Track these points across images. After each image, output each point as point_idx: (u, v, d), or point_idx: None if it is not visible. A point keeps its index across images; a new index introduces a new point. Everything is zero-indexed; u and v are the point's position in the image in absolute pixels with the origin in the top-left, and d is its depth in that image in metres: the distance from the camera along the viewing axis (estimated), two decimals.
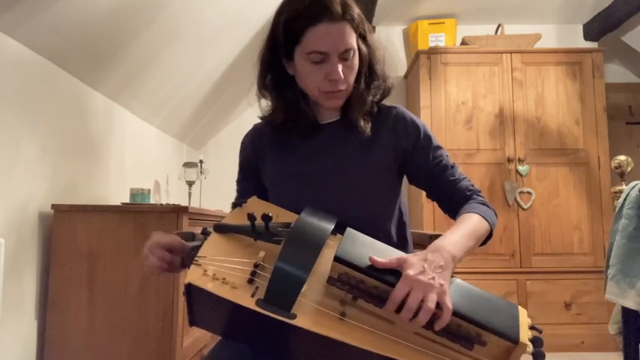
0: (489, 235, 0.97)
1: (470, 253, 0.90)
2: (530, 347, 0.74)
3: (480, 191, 1.05)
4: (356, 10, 0.98)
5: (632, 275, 1.68)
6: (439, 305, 0.73)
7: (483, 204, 1.00)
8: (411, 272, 0.75)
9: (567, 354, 2.79)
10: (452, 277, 0.82)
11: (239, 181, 1.17)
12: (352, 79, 1.02)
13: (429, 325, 0.73)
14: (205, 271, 0.74)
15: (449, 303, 0.73)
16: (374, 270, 0.76)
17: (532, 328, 0.79)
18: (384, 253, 0.81)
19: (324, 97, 1.01)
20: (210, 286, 0.72)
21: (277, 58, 1.03)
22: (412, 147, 1.05)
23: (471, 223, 0.92)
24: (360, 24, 1.00)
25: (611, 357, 2.75)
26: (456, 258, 0.82)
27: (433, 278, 0.75)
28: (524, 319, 0.78)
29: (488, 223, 0.96)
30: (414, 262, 0.77)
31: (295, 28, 0.96)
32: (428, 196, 1.09)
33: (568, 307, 2.90)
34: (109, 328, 1.78)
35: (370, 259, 0.77)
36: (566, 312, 2.89)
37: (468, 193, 1.02)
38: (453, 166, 1.06)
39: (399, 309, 0.73)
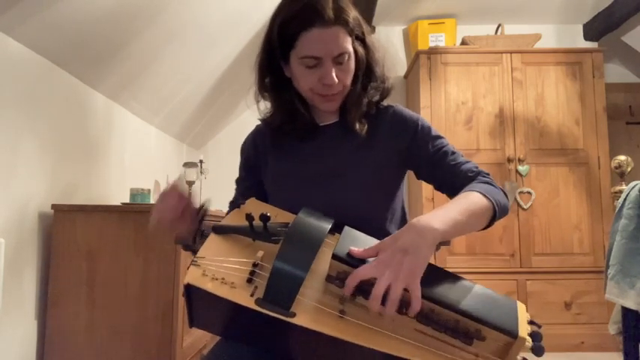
0: (495, 215, 0.91)
1: (466, 230, 0.84)
2: (529, 342, 0.74)
3: (487, 173, 1.00)
4: (351, 14, 0.98)
5: (632, 275, 1.68)
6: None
7: (487, 183, 0.95)
8: (379, 257, 0.74)
9: (567, 354, 2.79)
10: (456, 275, 0.82)
11: (240, 181, 1.17)
12: (348, 82, 1.01)
13: (403, 311, 0.72)
14: (204, 271, 0.74)
15: (417, 289, 0.70)
16: None
17: (531, 322, 0.78)
18: None
19: (319, 100, 1.01)
20: (209, 286, 0.72)
21: (274, 60, 1.03)
22: (411, 141, 1.04)
23: (465, 199, 0.87)
24: (355, 27, 0.99)
25: (611, 357, 2.74)
26: (437, 231, 0.76)
27: (401, 263, 0.71)
28: (522, 314, 0.78)
29: (490, 201, 0.89)
30: (385, 246, 0.75)
31: (289, 32, 0.96)
32: (436, 188, 1.06)
33: (568, 307, 2.89)
34: (109, 328, 1.78)
35: (350, 250, 0.76)
36: (566, 312, 2.89)
37: (471, 175, 0.98)
38: (454, 153, 1.03)
39: (363, 293, 0.72)
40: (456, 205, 0.85)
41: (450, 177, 1.01)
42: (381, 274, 0.71)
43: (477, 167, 1.01)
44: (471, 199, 0.87)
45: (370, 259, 0.76)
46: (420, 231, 0.75)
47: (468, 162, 1.02)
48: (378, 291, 0.70)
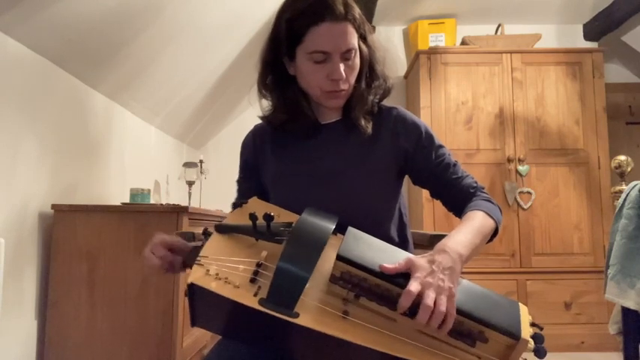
0: (495, 232, 0.97)
1: (478, 251, 0.89)
2: (531, 344, 0.74)
3: (483, 188, 1.05)
4: (357, 11, 0.99)
5: (632, 275, 1.67)
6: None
7: (488, 200, 1.00)
8: (420, 275, 0.75)
9: (567, 354, 2.79)
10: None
11: (240, 182, 1.17)
12: (353, 79, 1.02)
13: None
14: (208, 270, 0.74)
15: (453, 309, 0.73)
16: (376, 269, 0.76)
17: (533, 325, 0.79)
18: (386, 252, 0.81)
19: (326, 96, 1.01)
20: (213, 286, 0.72)
21: (279, 57, 1.03)
22: (414, 147, 1.05)
23: (476, 221, 0.92)
24: (361, 24, 1.00)
25: (611, 357, 2.75)
26: (463, 257, 0.82)
27: (442, 280, 0.75)
28: (525, 316, 0.78)
29: (494, 219, 0.95)
30: (422, 265, 0.77)
31: (298, 27, 0.96)
32: (432, 195, 1.09)
33: (568, 307, 2.90)
34: (109, 328, 1.78)
35: (380, 267, 0.77)
36: (566, 312, 2.89)
37: (472, 191, 1.02)
38: (455, 164, 1.06)
39: (410, 311, 0.73)
40: (471, 229, 0.90)
41: (451, 191, 1.04)
42: (427, 287, 0.74)
43: (476, 182, 1.05)
44: (481, 222, 0.93)
45: (374, 263, 0.77)
46: (453, 255, 0.80)
47: (467, 176, 1.06)
48: (428, 303, 0.72)
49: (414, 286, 0.73)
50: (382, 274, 0.76)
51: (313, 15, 0.94)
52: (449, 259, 0.79)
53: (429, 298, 0.72)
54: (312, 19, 0.94)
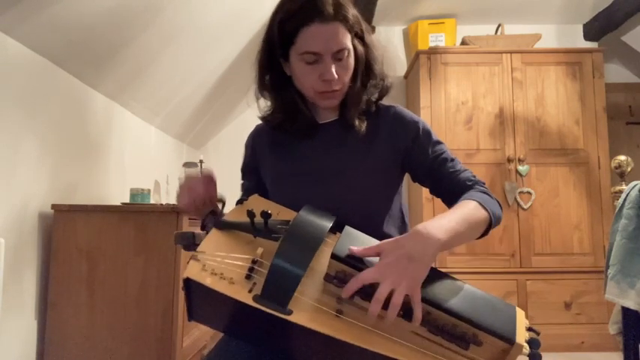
0: (490, 225, 0.93)
1: (463, 241, 0.86)
2: (526, 348, 0.74)
3: (483, 182, 1.02)
4: (350, 11, 0.98)
5: (632, 275, 1.67)
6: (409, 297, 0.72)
7: (484, 193, 0.97)
8: (383, 261, 0.74)
9: (567, 354, 2.79)
10: (455, 279, 0.82)
11: (243, 182, 1.19)
12: (347, 78, 1.02)
13: (408, 318, 0.73)
14: (204, 266, 0.75)
15: (418, 296, 0.72)
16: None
17: (529, 329, 0.78)
18: None
19: (320, 97, 1.02)
20: (208, 281, 0.72)
21: (274, 58, 1.03)
22: (411, 143, 1.04)
23: (464, 208, 0.89)
24: (355, 24, 1.00)
25: (611, 357, 2.74)
26: (440, 241, 0.78)
27: (405, 269, 0.73)
28: (521, 321, 0.77)
29: (487, 211, 0.91)
30: (389, 250, 0.76)
31: (289, 28, 0.96)
32: (431, 192, 1.07)
33: (568, 307, 2.89)
34: (109, 328, 1.78)
35: (349, 249, 0.76)
36: (566, 312, 2.89)
37: (469, 184, 1.00)
38: (453, 160, 1.04)
39: (361, 294, 0.72)
40: (457, 216, 0.86)
41: (448, 184, 1.02)
42: (384, 278, 0.72)
43: (474, 176, 1.03)
44: (470, 210, 0.89)
45: (370, 259, 0.77)
46: (425, 239, 0.77)
47: (465, 170, 1.03)
48: (380, 295, 0.71)
49: (364, 276, 0.73)
50: None
51: (303, 16, 0.94)
52: (421, 244, 0.76)
53: (383, 289, 0.71)
54: (302, 21, 0.94)
